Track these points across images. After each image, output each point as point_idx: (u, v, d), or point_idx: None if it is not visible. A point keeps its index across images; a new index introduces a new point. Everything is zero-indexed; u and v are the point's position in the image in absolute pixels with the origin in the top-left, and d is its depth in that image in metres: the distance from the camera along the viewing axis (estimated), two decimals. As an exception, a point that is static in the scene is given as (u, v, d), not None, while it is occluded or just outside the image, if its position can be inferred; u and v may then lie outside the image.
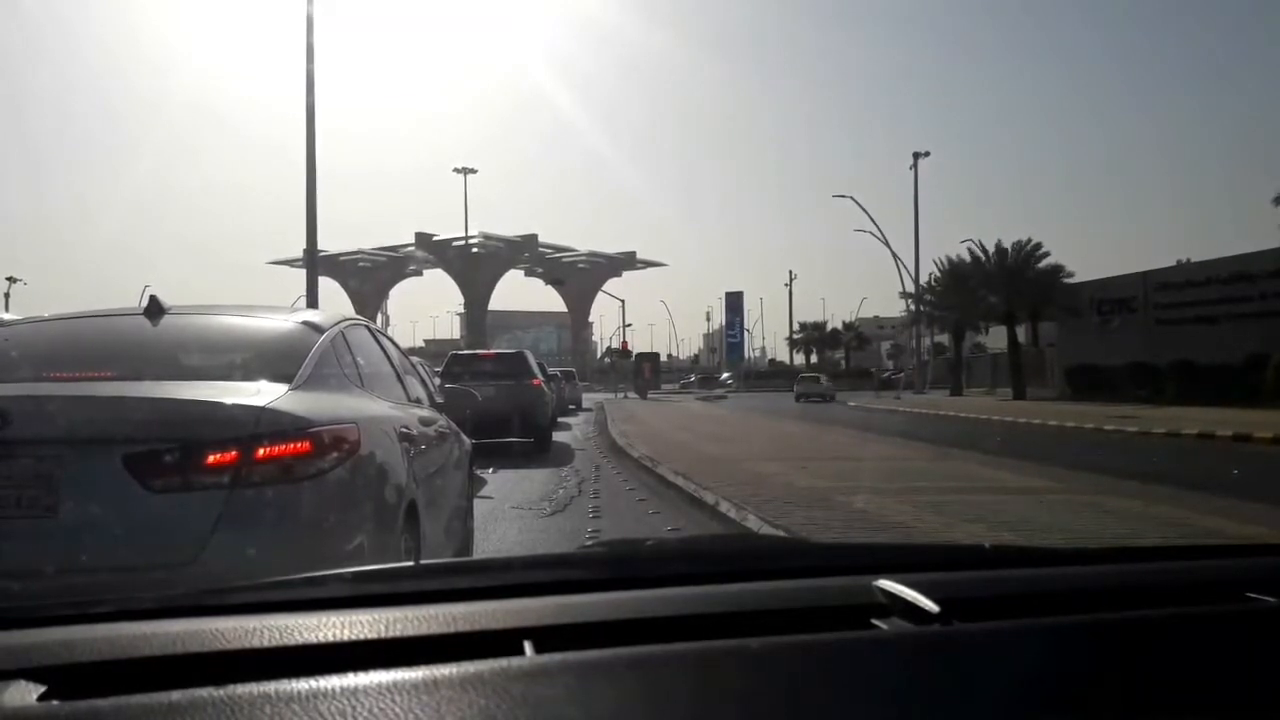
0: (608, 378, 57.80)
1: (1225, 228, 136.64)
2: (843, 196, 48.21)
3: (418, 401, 4.52)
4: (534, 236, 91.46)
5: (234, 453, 2.67)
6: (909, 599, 1.02)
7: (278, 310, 4.11)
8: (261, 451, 2.70)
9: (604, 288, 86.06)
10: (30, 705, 0.81)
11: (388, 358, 4.37)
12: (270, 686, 0.79)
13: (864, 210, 47.26)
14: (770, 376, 79.86)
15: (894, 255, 46.57)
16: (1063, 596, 1.13)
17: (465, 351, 21.46)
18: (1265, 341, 26.34)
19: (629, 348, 56.55)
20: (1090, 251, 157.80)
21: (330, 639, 0.93)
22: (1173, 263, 37.50)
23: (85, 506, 2.58)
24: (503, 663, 0.85)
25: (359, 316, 4.62)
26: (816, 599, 1.09)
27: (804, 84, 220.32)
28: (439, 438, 4.52)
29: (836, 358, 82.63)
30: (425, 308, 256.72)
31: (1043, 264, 38.28)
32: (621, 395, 44.08)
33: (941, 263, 41.93)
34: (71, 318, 3.80)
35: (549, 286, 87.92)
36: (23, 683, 0.83)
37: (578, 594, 1.11)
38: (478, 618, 1.00)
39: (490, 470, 10.64)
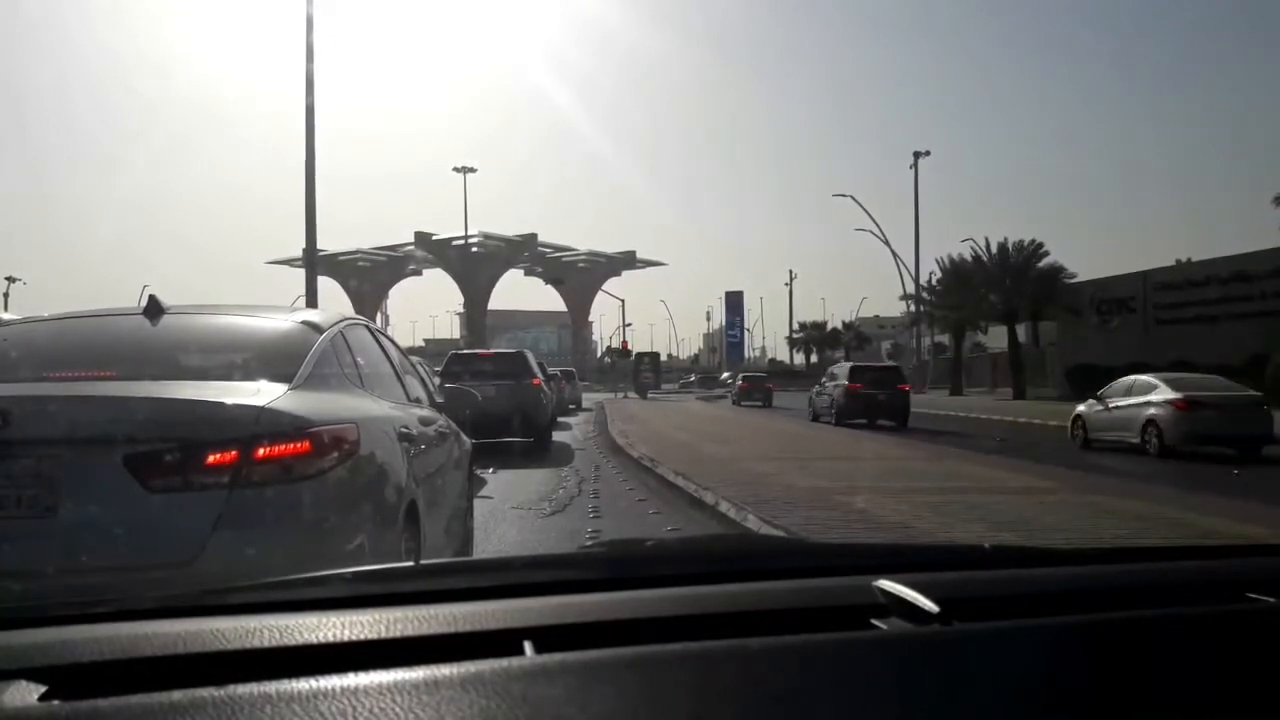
0: (608, 377, 57.69)
1: (1225, 228, 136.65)
2: (843, 196, 48.32)
3: (418, 401, 4.52)
4: (534, 236, 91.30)
5: (234, 453, 2.67)
6: (909, 599, 1.02)
7: (277, 310, 4.10)
8: (261, 451, 2.70)
9: (604, 287, 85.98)
10: (31, 705, 0.81)
11: (387, 358, 4.36)
12: (271, 686, 0.79)
13: (864, 210, 47.42)
14: (770, 376, 79.78)
15: (894, 255, 46.60)
16: (1063, 596, 1.13)
17: (465, 351, 21.50)
18: (1265, 341, 26.38)
19: (629, 347, 56.44)
20: (1090, 251, 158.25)
21: (331, 639, 0.93)
22: (1173, 263, 37.54)
23: (85, 506, 2.58)
24: (503, 663, 0.85)
25: (358, 316, 4.61)
26: (816, 599, 1.09)
27: (804, 84, 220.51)
28: (439, 438, 4.52)
29: (837, 357, 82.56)
30: (425, 307, 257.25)
31: (1043, 263, 38.31)
32: (621, 395, 44.00)
33: (942, 262, 42.02)
34: (71, 318, 3.80)
35: (549, 286, 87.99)
36: (23, 683, 0.83)
37: (578, 594, 1.11)
38: (478, 618, 1.00)
39: (490, 470, 10.62)
